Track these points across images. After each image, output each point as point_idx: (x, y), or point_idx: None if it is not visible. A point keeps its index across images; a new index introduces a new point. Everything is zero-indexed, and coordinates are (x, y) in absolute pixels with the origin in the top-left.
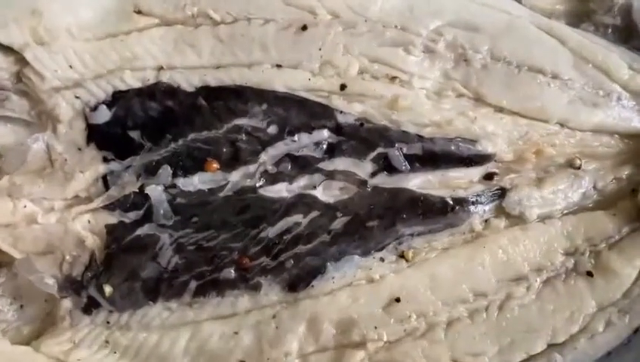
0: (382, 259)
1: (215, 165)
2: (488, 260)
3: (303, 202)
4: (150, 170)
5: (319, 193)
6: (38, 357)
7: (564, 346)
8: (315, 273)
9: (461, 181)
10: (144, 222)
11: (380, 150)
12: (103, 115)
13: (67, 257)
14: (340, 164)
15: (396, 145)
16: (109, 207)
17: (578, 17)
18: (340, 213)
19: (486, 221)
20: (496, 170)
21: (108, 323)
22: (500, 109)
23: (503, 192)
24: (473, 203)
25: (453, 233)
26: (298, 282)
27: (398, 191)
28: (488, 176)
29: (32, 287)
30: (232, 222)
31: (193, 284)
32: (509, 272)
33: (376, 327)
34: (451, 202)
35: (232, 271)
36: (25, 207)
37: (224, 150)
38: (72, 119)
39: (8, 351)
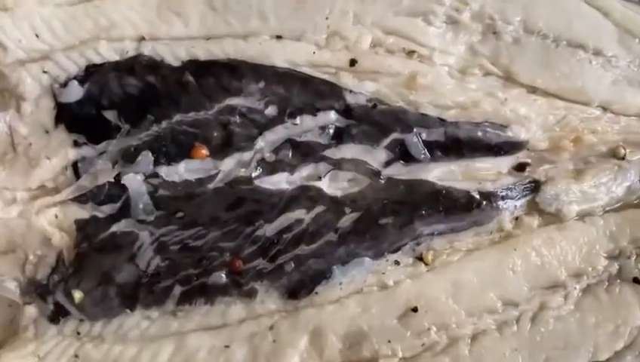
0: (397, 262)
1: (204, 151)
2: (519, 264)
3: (305, 195)
4: (128, 157)
5: (325, 185)
6: None
7: None
8: (319, 278)
9: (488, 172)
10: (120, 218)
11: (395, 136)
12: (74, 93)
13: (31, 257)
14: (349, 151)
15: (414, 130)
16: (80, 200)
17: None
18: (349, 208)
19: (517, 219)
20: (529, 160)
21: (78, 333)
22: (534, 90)
23: (536, 186)
24: (502, 198)
25: (479, 232)
26: (299, 288)
27: (416, 184)
28: (519, 167)
29: None
30: (223, 218)
31: (177, 290)
32: (543, 278)
33: (389, 341)
34: (477, 196)
35: (223, 275)
36: None
37: (215, 134)
38: (38, 97)
39: None
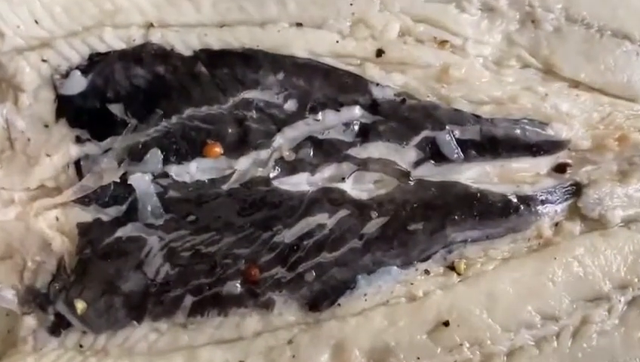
0: (427, 272)
1: (217, 149)
2: (560, 274)
3: (328, 198)
4: (135, 155)
5: (349, 187)
6: None
7: None
8: (342, 288)
9: (526, 174)
10: (127, 221)
11: (426, 133)
12: (77, 84)
13: (29, 263)
14: (376, 150)
15: (447, 127)
16: (83, 201)
17: None
18: (375, 212)
19: (557, 225)
20: (570, 161)
21: (80, 346)
22: (576, 84)
23: (578, 189)
24: (542, 202)
25: (515, 239)
26: (321, 299)
27: (448, 186)
28: (560, 168)
29: None
30: (238, 222)
31: (188, 300)
32: (585, 290)
33: (418, 358)
34: (515, 201)
35: (238, 284)
36: None
37: (229, 130)
38: (37, 88)
39: None
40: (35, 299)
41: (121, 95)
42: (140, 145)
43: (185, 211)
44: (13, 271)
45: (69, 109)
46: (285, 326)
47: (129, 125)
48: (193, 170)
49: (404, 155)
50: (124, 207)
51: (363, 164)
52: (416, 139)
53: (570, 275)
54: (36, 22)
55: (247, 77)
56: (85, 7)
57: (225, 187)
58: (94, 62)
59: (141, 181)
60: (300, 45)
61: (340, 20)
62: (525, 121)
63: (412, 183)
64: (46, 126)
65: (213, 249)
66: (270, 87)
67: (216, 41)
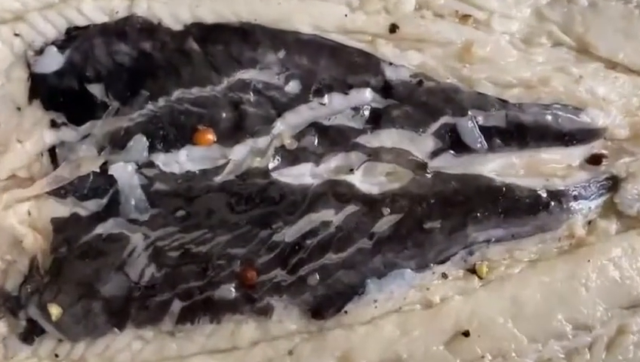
0: (444, 276)
1: (210, 136)
2: (594, 279)
3: (334, 192)
4: (117, 142)
5: (358, 179)
6: None
7: None
8: (349, 293)
9: (557, 166)
10: (107, 216)
11: (445, 120)
12: (53, 61)
13: None
14: (389, 138)
15: (469, 112)
16: (58, 193)
17: None
18: (387, 208)
19: (590, 223)
20: (605, 152)
21: (56, 356)
22: (614, 65)
23: (614, 183)
24: (574, 197)
25: (544, 239)
26: (326, 306)
27: (469, 179)
28: (594, 160)
29: None
30: (232, 218)
31: (177, 306)
32: (622, 296)
33: None
34: (544, 196)
35: (233, 288)
36: None
37: (223, 115)
38: (9, 66)
39: None
40: (4, 303)
41: (102, 74)
42: (123, 131)
43: (173, 206)
44: None
45: (43, 90)
46: (285, 335)
47: (110, 108)
48: (182, 160)
49: (421, 144)
50: (104, 201)
51: (374, 154)
52: (434, 126)
53: (605, 280)
54: None
55: (244, 55)
56: None
57: (218, 179)
58: (72, 37)
59: (123, 171)
60: (304, 19)
61: None
62: (557, 106)
63: (429, 176)
64: (18, 109)
65: (204, 248)
66: (270, 67)
67: (209, 13)
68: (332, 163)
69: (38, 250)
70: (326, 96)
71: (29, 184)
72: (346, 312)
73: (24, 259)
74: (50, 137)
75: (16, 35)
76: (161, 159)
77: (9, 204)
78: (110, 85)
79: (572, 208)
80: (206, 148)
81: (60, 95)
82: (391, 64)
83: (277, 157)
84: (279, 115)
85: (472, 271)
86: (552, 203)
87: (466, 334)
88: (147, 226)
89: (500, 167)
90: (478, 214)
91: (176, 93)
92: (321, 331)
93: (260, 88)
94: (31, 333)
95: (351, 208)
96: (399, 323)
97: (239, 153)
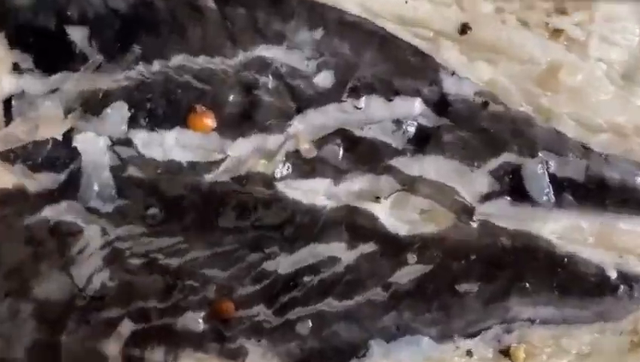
0: (469, 354)
1: (208, 121)
2: None
3: (351, 222)
4: (91, 106)
5: (384, 211)
6: None
7: None
8: (347, 353)
9: (636, 241)
10: (61, 198)
11: (508, 157)
12: None
13: None
14: (433, 167)
15: (539, 154)
16: (6, 156)
17: None
18: (414, 255)
19: None
20: None
21: None
22: None
23: None
24: None
25: (604, 330)
26: None
27: (524, 238)
28: None
29: None
30: (216, 231)
31: (127, 327)
32: None
33: None
34: (614, 276)
35: (201, 319)
36: None
37: (230, 98)
38: None
39: None
40: None
41: (88, 16)
42: (101, 94)
43: (145, 200)
44: None
45: (11, 22)
46: None
47: (91, 61)
48: (169, 144)
49: (472, 182)
50: (61, 177)
51: (410, 184)
52: (494, 162)
53: None
54: None
55: (271, 26)
56: None
57: (209, 177)
58: None
59: (92, 145)
60: None
61: None
62: None
63: (474, 224)
64: None
65: (174, 262)
66: (300, 47)
67: None
68: (356, 184)
69: None
70: (364, 98)
71: None
72: None
73: None
74: (9, 83)
75: None
76: (141, 138)
77: None
78: (96, 32)
79: None
80: (201, 136)
81: (31, 33)
82: (453, 74)
83: (288, 164)
84: (299, 111)
85: (506, 353)
86: (622, 287)
87: None
88: (109, 220)
89: (565, 229)
90: (527, 284)
91: (177, 59)
92: None
93: (283, 73)
94: None
95: (368, 247)
96: None
97: (241, 149)
